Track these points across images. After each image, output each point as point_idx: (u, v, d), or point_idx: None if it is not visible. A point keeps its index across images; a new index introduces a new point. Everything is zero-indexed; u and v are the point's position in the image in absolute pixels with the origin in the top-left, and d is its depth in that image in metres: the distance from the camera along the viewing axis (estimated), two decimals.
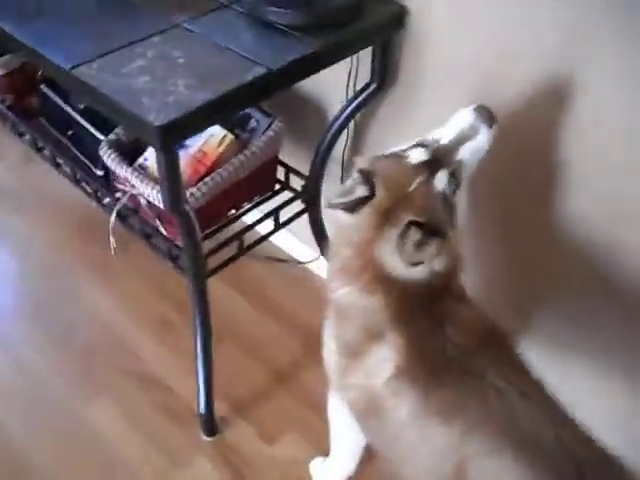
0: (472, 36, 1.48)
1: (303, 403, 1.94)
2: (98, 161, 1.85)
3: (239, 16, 1.52)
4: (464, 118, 1.23)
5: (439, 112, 1.27)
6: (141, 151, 1.76)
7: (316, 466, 1.77)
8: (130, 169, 1.68)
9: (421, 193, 1.17)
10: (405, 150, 1.24)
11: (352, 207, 1.18)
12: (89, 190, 1.95)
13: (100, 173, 1.89)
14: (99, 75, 1.31)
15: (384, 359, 1.21)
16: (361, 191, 1.18)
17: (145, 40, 1.42)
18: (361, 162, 1.24)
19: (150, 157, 1.71)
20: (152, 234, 1.78)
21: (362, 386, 1.26)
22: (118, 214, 1.77)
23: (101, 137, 1.83)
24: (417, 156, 1.21)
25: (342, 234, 1.25)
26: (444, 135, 1.23)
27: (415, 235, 1.13)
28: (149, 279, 2.27)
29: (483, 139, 1.22)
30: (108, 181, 1.87)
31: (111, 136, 1.79)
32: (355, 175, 1.20)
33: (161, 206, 1.53)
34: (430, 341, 1.20)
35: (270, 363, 2.05)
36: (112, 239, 1.82)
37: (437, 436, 1.16)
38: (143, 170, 1.70)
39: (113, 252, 1.85)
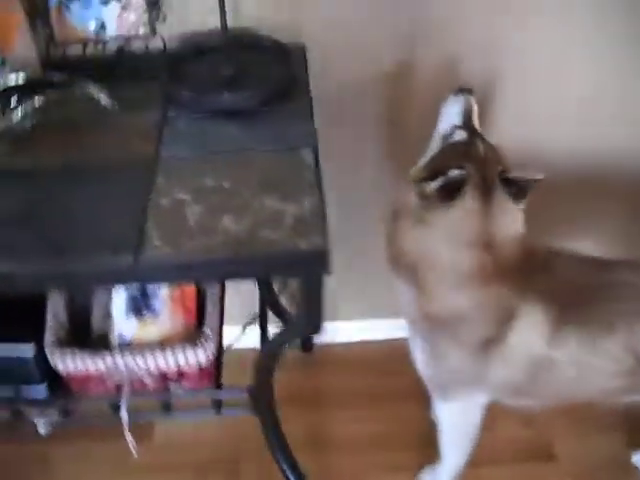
0: None
1: None
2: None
3: (195, 120, 1.33)
4: (454, 102, 1.40)
5: None
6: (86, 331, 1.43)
7: (425, 477, 1.80)
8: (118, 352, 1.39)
9: (487, 156, 1.33)
10: (445, 140, 1.38)
11: (450, 191, 1.26)
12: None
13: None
14: (183, 244, 1.08)
15: (532, 327, 1.36)
16: (455, 174, 1.25)
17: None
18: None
19: (158, 303, 1.43)
20: (170, 403, 1.49)
21: (516, 361, 1.40)
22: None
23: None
24: (462, 135, 1.36)
25: (440, 241, 1.30)
26: (453, 120, 1.39)
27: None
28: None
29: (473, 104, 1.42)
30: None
31: (48, 338, 1.39)
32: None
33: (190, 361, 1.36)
34: (555, 289, 1.38)
35: None
36: (130, 439, 1.45)
37: (610, 345, 1.37)
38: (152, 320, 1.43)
39: (134, 452, 1.49)
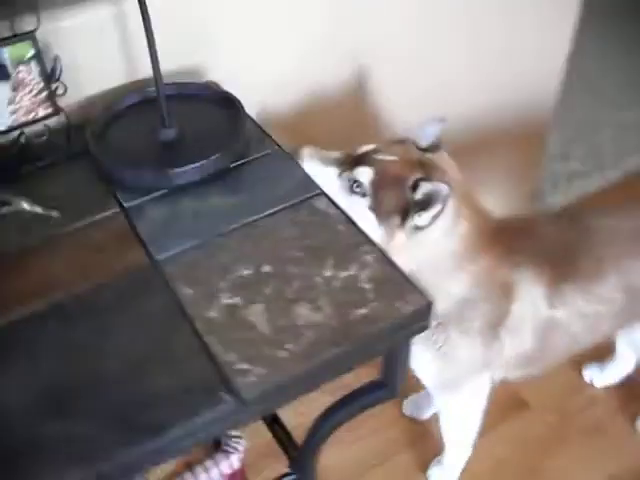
0: None
1: None
2: None
3: (162, 203, 1.09)
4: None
5: None
6: None
7: (434, 472, 1.78)
8: None
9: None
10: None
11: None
12: None
13: None
14: (273, 357, 0.88)
15: (531, 293, 1.40)
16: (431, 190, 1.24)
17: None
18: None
19: None
20: None
21: (523, 330, 1.43)
22: None
23: None
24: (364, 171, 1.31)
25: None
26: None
27: None
28: None
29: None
30: None
31: None
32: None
33: None
34: (540, 250, 1.43)
35: None
36: None
37: (603, 289, 1.44)
38: None
39: None
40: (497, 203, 2.14)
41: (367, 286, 0.95)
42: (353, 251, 1.00)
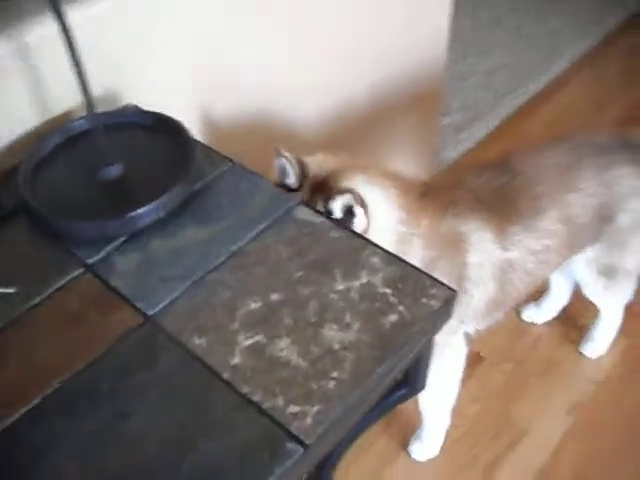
0: None
1: None
2: None
3: (131, 249, 0.97)
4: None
5: None
6: None
7: (416, 448, 1.78)
8: None
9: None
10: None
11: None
12: None
13: None
14: (323, 391, 0.81)
15: (481, 240, 1.44)
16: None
17: None
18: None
19: None
20: None
21: (484, 277, 1.47)
22: None
23: None
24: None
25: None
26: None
27: None
28: None
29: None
30: None
31: None
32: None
33: None
34: (478, 199, 1.47)
35: None
36: None
37: (547, 223, 1.50)
38: None
39: None
40: (409, 167, 2.21)
41: (387, 290, 0.90)
42: (357, 257, 0.94)
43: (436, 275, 1.32)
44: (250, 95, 1.48)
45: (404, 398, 1.05)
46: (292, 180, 1.27)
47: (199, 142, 1.13)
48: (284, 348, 0.85)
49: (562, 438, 1.83)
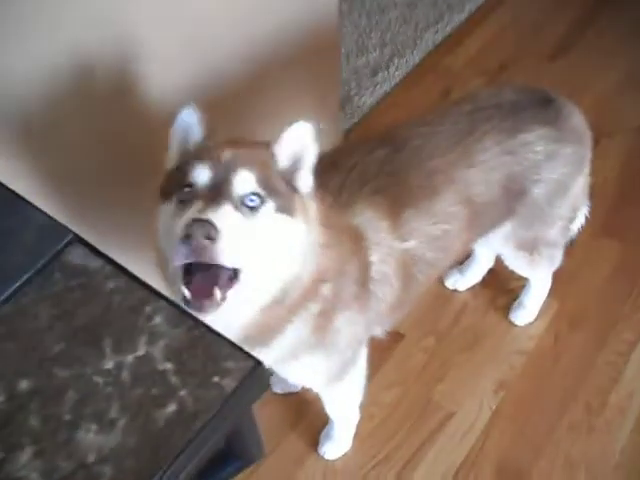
0: None
1: None
2: None
3: None
4: None
5: None
6: None
7: (328, 448, 1.61)
8: None
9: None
10: None
11: None
12: None
13: None
14: None
15: (377, 233, 1.22)
16: None
17: None
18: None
19: None
20: None
21: (387, 274, 1.25)
22: None
23: None
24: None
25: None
26: None
27: None
28: None
29: None
30: None
31: None
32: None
33: None
34: (371, 180, 1.24)
35: None
36: None
37: (443, 205, 1.27)
38: None
39: None
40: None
41: (168, 366, 0.68)
42: (136, 316, 0.72)
43: (341, 284, 1.15)
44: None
45: (238, 470, 0.85)
46: (197, 134, 1.05)
47: None
48: (25, 465, 0.63)
49: (490, 418, 1.67)
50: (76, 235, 0.79)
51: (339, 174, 1.21)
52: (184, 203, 0.94)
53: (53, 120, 1.15)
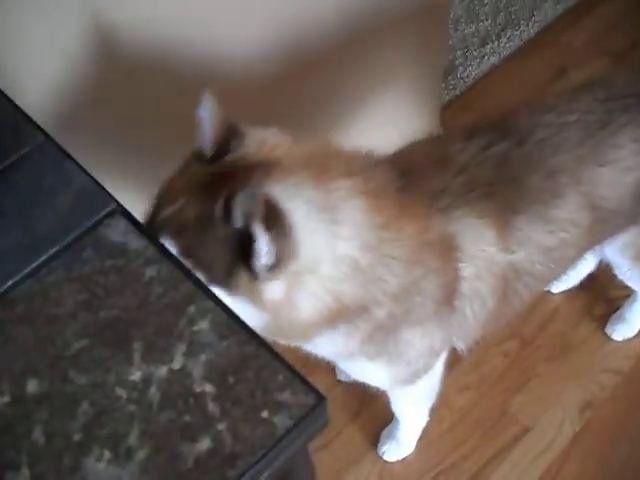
0: None
1: None
2: None
3: None
4: None
5: None
6: None
7: (390, 449, 1.47)
8: None
9: None
10: None
11: None
12: None
13: None
14: None
15: (478, 245, 1.04)
16: None
17: None
18: None
19: None
20: None
21: (481, 291, 1.08)
22: None
23: None
24: None
25: None
26: None
27: None
28: None
29: None
30: None
31: None
32: None
33: None
34: (469, 185, 1.04)
35: None
36: None
37: (564, 212, 1.08)
38: None
39: None
40: (407, 94, 1.75)
41: (208, 388, 0.54)
42: (176, 317, 0.58)
43: (417, 301, 0.99)
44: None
45: None
46: (205, 145, 0.85)
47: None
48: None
49: (571, 440, 1.49)
50: (120, 206, 0.65)
51: (443, 174, 1.02)
52: None
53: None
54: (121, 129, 1.10)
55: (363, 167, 0.93)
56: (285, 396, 0.52)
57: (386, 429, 1.48)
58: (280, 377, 0.53)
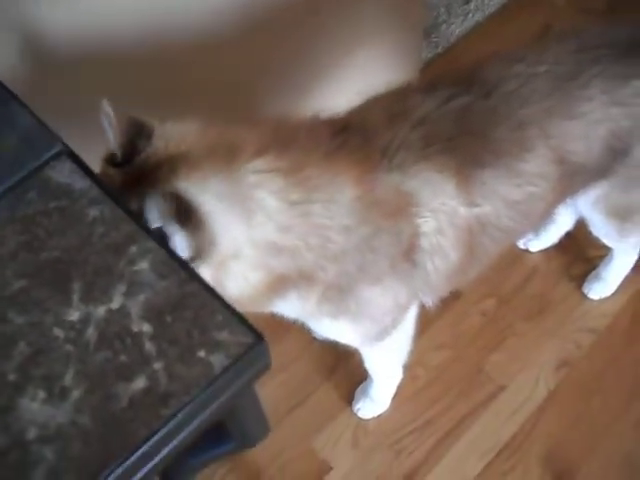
0: None
1: None
2: None
3: None
4: None
5: None
6: None
7: (363, 406, 1.47)
8: None
9: None
10: None
11: None
12: None
13: None
14: None
15: (439, 198, 1.02)
16: None
17: None
18: None
19: None
20: None
21: (445, 246, 1.06)
22: None
23: None
24: None
25: None
26: None
27: None
28: None
29: None
30: None
31: None
32: None
33: None
34: (441, 130, 1.03)
35: None
36: None
37: (532, 165, 1.06)
38: None
39: None
40: (385, 54, 1.72)
41: (145, 328, 0.53)
42: (117, 257, 0.57)
43: (371, 258, 0.98)
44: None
45: (234, 451, 0.71)
46: (114, 149, 0.82)
47: None
48: None
49: (545, 399, 1.49)
50: (66, 147, 0.63)
51: (399, 129, 1.00)
52: None
53: None
54: None
55: (281, 139, 0.90)
56: (223, 335, 0.52)
57: (360, 386, 1.48)
58: (219, 316, 0.52)
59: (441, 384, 1.52)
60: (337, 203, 0.91)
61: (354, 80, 1.55)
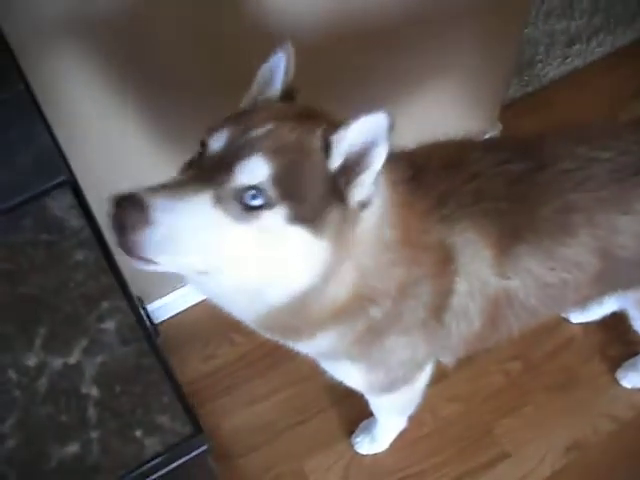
0: None
1: None
2: None
3: None
4: None
5: None
6: None
7: (363, 442, 1.46)
8: None
9: None
10: None
11: None
12: None
13: None
14: None
15: (476, 262, 0.97)
16: None
17: None
18: None
19: None
20: None
21: (471, 310, 1.02)
22: None
23: None
24: None
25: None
26: None
27: None
28: None
29: None
30: None
31: None
32: None
33: None
34: (490, 197, 0.98)
35: None
36: None
37: (571, 251, 1.01)
38: None
39: None
40: (469, 90, 1.67)
41: (94, 391, 0.53)
42: (87, 311, 0.57)
43: (410, 305, 0.94)
44: None
45: None
46: (278, 85, 0.80)
47: None
48: None
49: (547, 479, 1.44)
50: (72, 177, 0.63)
51: (453, 179, 0.97)
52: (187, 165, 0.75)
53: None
54: None
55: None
56: (164, 420, 0.51)
57: (365, 421, 1.46)
58: (165, 399, 0.52)
59: (445, 436, 1.48)
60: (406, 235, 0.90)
61: (432, 105, 1.51)
